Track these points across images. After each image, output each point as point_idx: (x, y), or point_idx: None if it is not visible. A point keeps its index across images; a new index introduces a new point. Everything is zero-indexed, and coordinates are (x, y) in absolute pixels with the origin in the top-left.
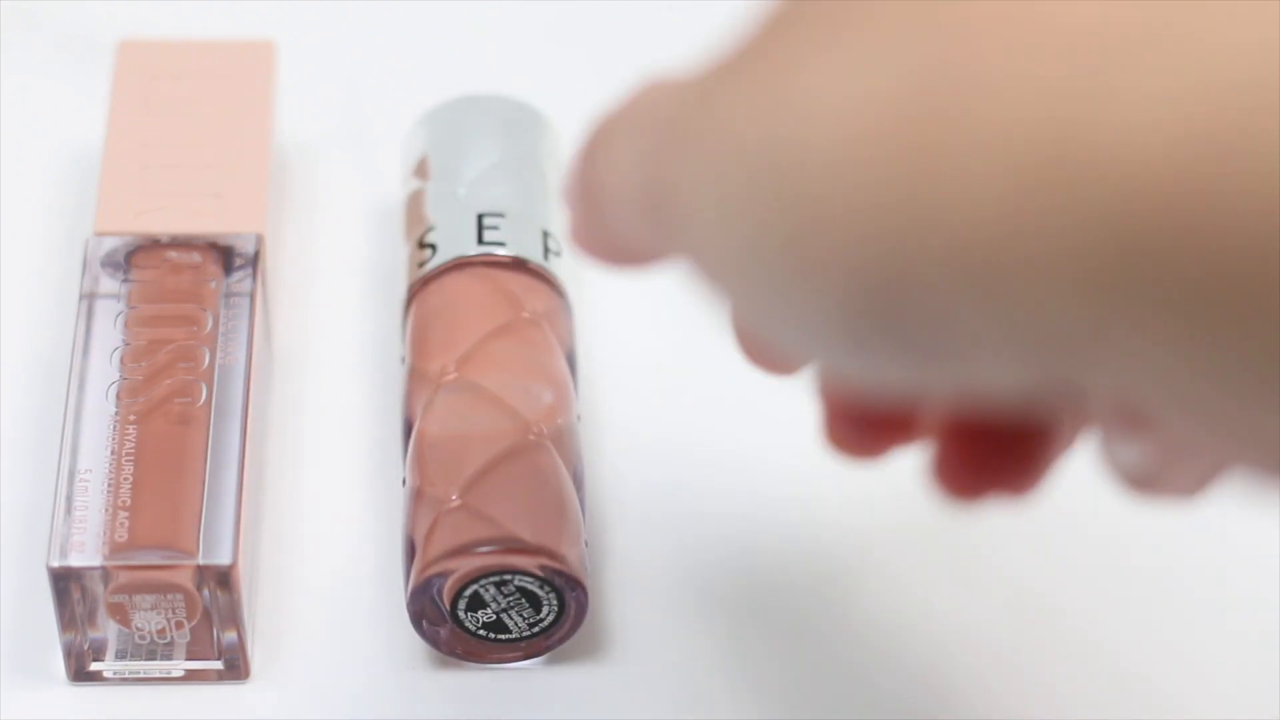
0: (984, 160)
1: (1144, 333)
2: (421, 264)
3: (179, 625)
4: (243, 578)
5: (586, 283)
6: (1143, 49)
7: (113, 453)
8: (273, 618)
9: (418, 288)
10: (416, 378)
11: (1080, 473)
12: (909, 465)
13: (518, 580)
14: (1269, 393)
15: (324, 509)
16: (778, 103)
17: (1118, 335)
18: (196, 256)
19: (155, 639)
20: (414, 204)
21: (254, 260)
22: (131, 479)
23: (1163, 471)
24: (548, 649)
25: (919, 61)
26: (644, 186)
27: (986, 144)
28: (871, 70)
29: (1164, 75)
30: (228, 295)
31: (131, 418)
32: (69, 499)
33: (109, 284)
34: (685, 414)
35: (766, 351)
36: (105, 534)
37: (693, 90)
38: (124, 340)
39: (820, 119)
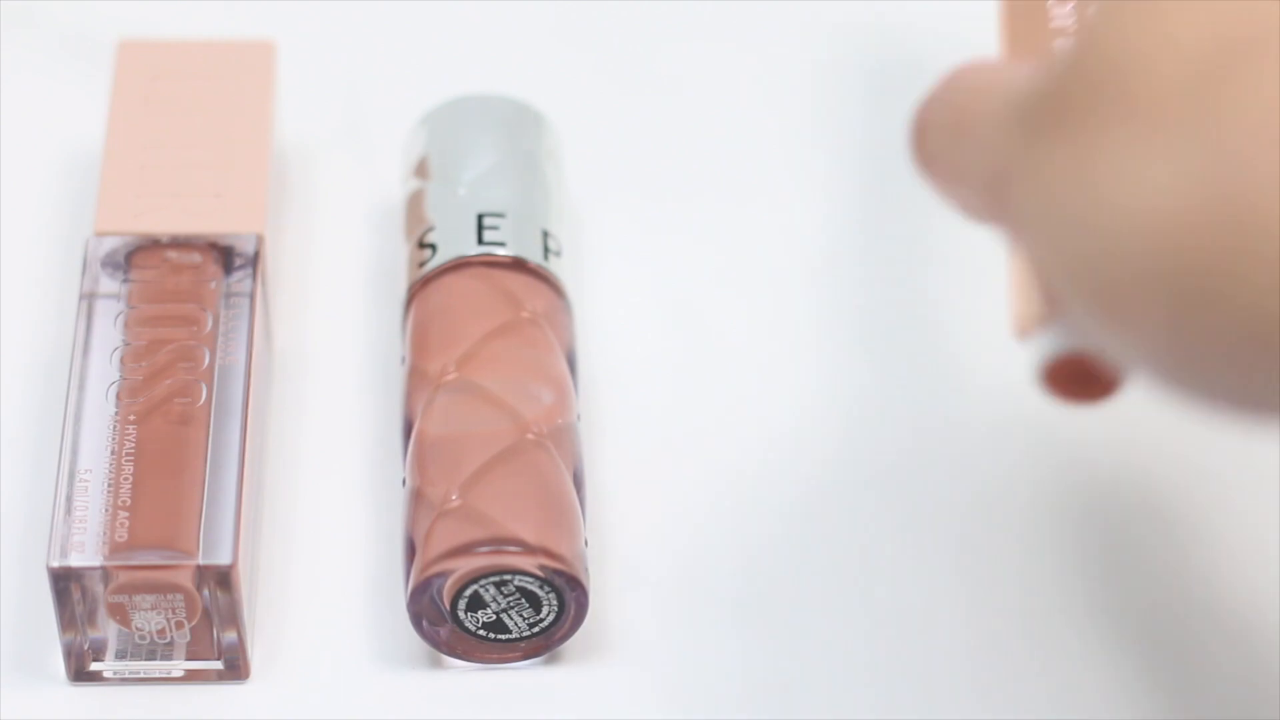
0: (1260, 257)
1: None
2: (421, 264)
3: (179, 625)
4: (243, 578)
5: (586, 283)
6: None
7: (113, 453)
8: (273, 618)
9: (418, 288)
10: (416, 377)
11: (1086, 466)
12: (910, 464)
13: (518, 580)
14: None
15: (324, 509)
16: (1095, 182)
17: None
18: (196, 256)
19: (155, 639)
20: (414, 204)
21: (254, 260)
22: (131, 479)
23: None
24: (548, 649)
25: (1207, 176)
26: (981, 197)
27: (1261, 244)
28: (1181, 168)
29: None
30: (228, 295)
31: (131, 418)
32: (69, 499)
33: (109, 284)
34: (685, 414)
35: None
36: (105, 534)
37: (1012, 145)
38: (124, 340)
39: (1137, 202)
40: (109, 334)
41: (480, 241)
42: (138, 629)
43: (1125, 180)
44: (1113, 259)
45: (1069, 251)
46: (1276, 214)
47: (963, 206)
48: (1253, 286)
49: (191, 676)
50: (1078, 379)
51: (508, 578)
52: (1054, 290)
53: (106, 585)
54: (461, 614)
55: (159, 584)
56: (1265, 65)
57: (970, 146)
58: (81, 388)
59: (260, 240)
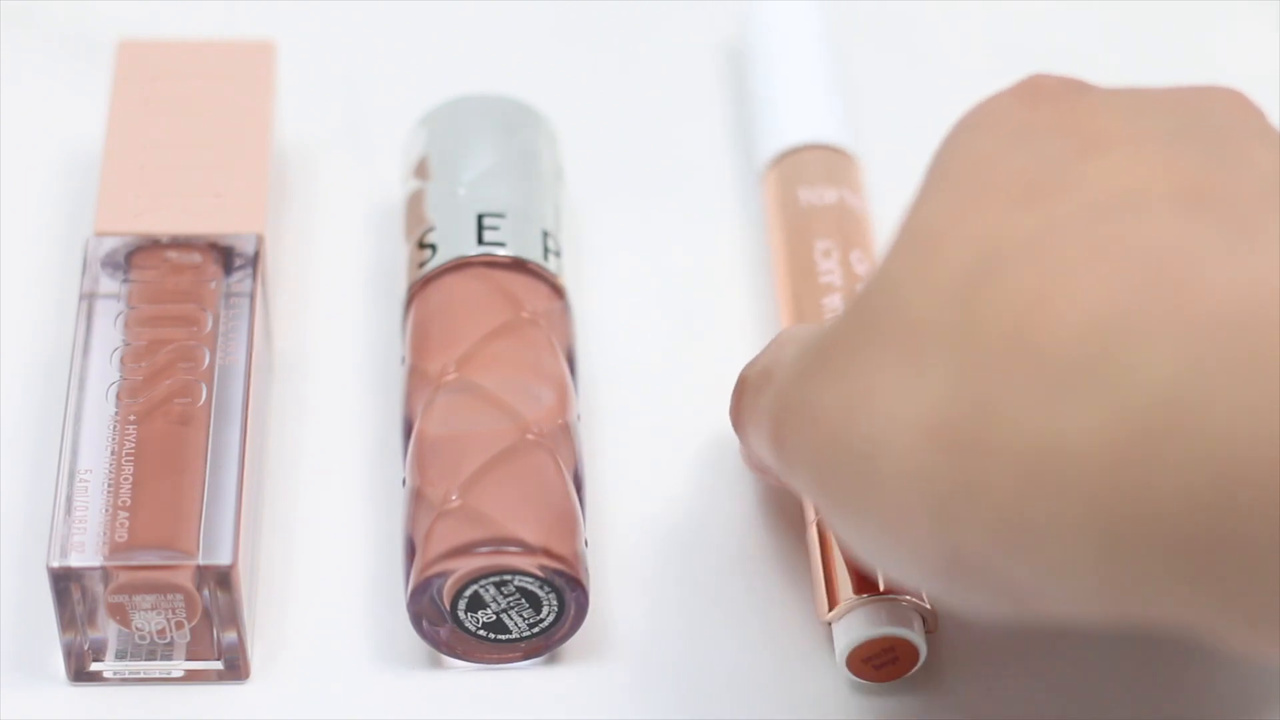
0: (1000, 463)
1: (1150, 584)
2: (421, 264)
3: (179, 625)
4: (243, 578)
5: (586, 283)
6: (1079, 379)
7: (113, 453)
8: (273, 618)
9: (418, 288)
10: (416, 377)
11: None
12: None
13: (518, 580)
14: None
15: (324, 509)
16: (859, 407)
17: (1129, 587)
18: (196, 256)
19: (155, 639)
20: (414, 204)
21: (254, 260)
22: (131, 479)
23: None
24: (548, 649)
25: (953, 388)
26: (765, 444)
27: (1001, 451)
28: (931, 392)
29: (1092, 402)
30: (228, 295)
31: (131, 418)
32: (69, 499)
33: (109, 284)
34: (685, 414)
35: None
36: (105, 534)
37: (796, 375)
38: (124, 340)
39: (893, 425)
40: (109, 334)
41: (480, 241)
42: (138, 629)
43: (881, 400)
44: (870, 473)
45: (832, 474)
46: (1008, 427)
47: (761, 464)
48: (996, 496)
49: (191, 676)
50: (879, 662)
51: (508, 578)
52: (823, 519)
53: (106, 585)
54: (461, 614)
55: (159, 584)
56: (1001, 290)
57: (765, 393)
58: (81, 388)
59: (260, 240)
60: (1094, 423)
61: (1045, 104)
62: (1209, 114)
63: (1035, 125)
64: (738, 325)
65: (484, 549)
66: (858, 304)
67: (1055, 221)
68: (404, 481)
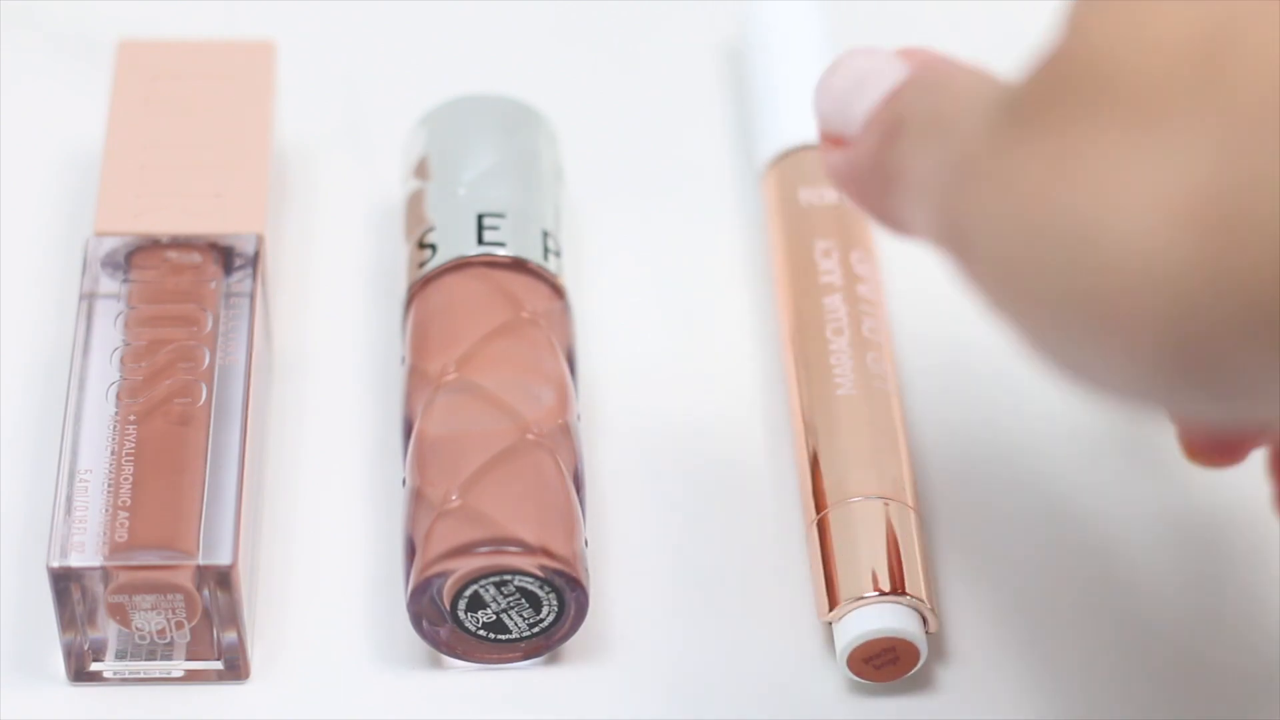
0: (1270, 242)
1: None
2: (421, 264)
3: (179, 625)
4: (243, 578)
5: (586, 283)
6: None
7: (113, 453)
8: (273, 618)
9: (418, 288)
10: (416, 378)
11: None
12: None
13: (518, 580)
14: None
15: (324, 509)
16: (1075, 181)
17: None
18: (196, 256)
19: (155, 639)
20: (414, 204)
21: (254, 260)
22: (131, 479)
23: None
24: (548, 649)
25: (1208, 161)
26: (932, 209)
27: (1271, 228)
28: (1180, 163)
29: None
30: (228, 295)
31: (131, 418)
32: (69, 499)
33: (109, 284)
34: (685, 414)
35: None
36: (105, 534)
37: (984, 137)
38: (124, 340)
39: (1126, 201)
40: (109, 334)
41: (480, 241)
42: (138, 629)
43: (1107, 175)
44: (1088, 257)
45: (1028, 252)
46: (1277, 206)
47: (896, 215)
48: (1255, 283)
49: (191, 676)
50: (880, 662)
51: (508, 578)
52: (995, 299)
53: (106, 585)
54: (461, 614)
55: (159, 584)
56: (1256, 48)
57: (937, 144)
58: (81, 388)
59: (260, 240)
60: None
61: None
62: None
63: None
64: (738, 325)
65: (484, 549)
66: (1057, 70)
67: None
68: (404, 481)
